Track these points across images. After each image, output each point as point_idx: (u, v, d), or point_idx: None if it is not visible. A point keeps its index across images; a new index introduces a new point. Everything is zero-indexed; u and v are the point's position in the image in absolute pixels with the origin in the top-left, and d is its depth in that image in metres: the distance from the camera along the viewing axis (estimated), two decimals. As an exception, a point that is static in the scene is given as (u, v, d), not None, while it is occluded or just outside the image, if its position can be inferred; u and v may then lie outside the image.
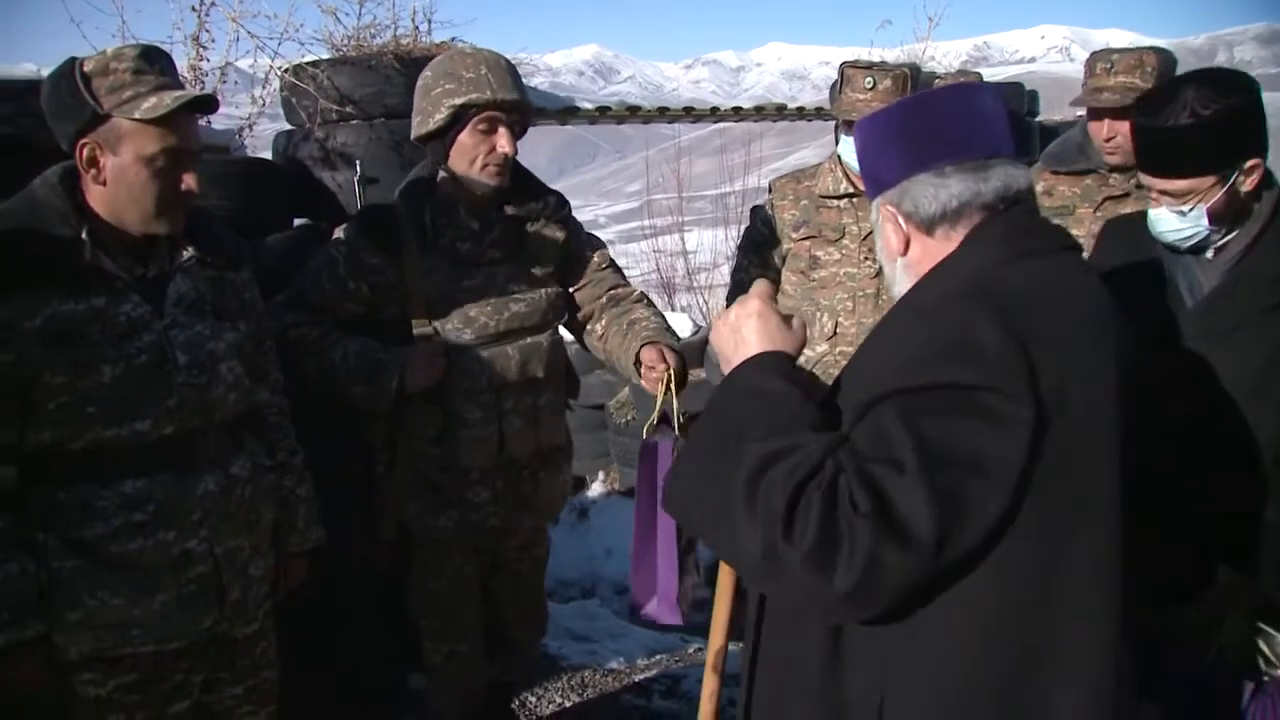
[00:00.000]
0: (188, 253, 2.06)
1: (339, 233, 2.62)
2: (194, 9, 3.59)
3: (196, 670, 2.12)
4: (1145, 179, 2.14)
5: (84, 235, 1.91)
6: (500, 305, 2.59)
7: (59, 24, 3.60)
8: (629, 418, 6.63)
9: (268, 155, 3.77)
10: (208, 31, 3.59)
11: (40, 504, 1.93)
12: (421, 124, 2.55)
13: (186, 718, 2.12)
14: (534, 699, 3.70)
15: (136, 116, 1.88)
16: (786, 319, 1.50)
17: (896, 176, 1.45)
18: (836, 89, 3.36)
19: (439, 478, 2.61)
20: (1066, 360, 1.28)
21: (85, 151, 1.92)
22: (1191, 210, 2.07)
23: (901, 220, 1.47)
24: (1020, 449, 1.22)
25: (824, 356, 3.16)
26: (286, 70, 3.55)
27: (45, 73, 3.40)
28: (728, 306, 3.66)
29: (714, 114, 5.74)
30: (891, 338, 1.41)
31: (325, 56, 3.71)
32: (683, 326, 7.03)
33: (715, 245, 9.79)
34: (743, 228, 9.10)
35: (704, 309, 8.75)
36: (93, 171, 1.93)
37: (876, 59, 4.01)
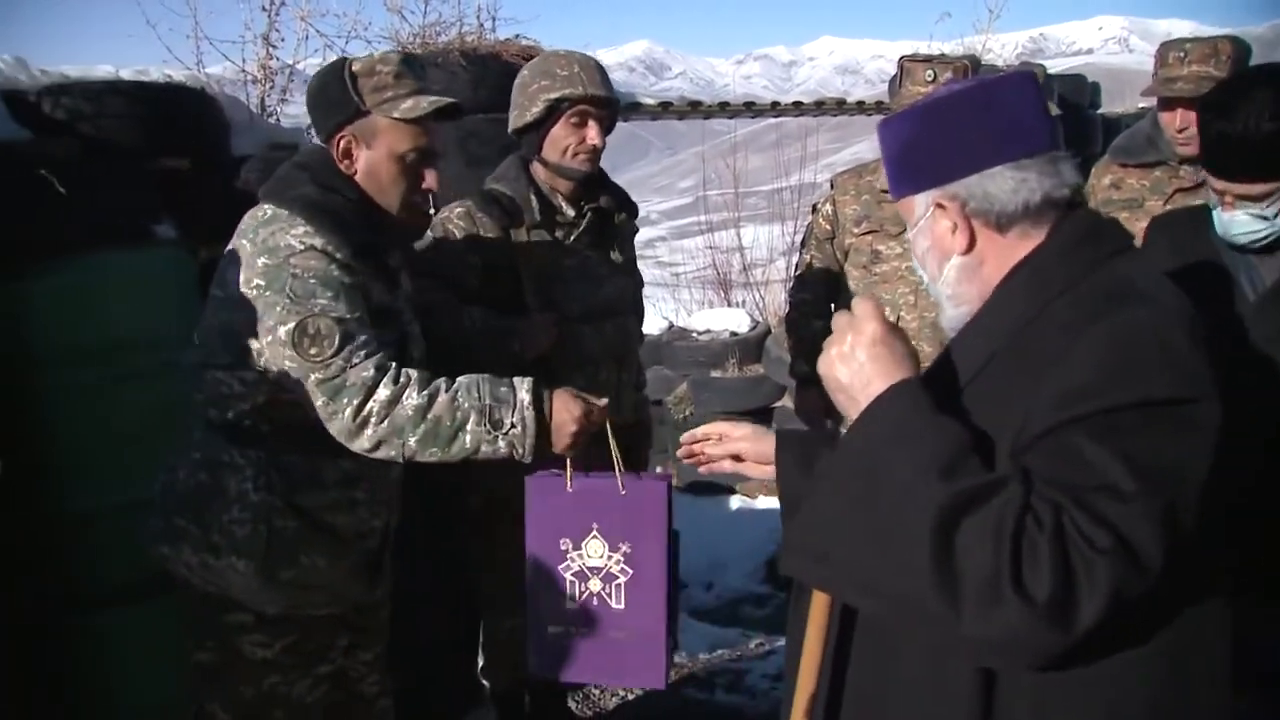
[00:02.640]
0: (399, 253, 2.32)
1: (448, 211, 2.80)
2: (264, 9, 3.68)
3: (341, 635, 2.29)
4: (1218, 183, 2.10)
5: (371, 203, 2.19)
6: (594, 286, 2.85)
7: (135, 25, 3.68)
8: (687, 412, 6.64)
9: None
10: (277, 31, 3.66)
11: (272, 463, 2.08)
12: (519, 117, 2.80)
13: (328, 681, 2.26)
14: (597, 692, 3.73)
15: (395, 115, 2.10)
16: (903, 337, 1.37)
17: (963, 168, 1.36)
18: (896, 83, 3.35)
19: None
20: (1218, 352, 1.23)
21: (341, 143, 2.15)
22: (1275, 213, 2.04)
23: (967, 217, 1.37)
24: (1211, 454, 1.18)
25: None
26: (354, 67, 3.60)
27: (123, 74, 3.49)
28: (791, 305, 3.71)
29: (774, 109, 5.74)
30: (1027, 356, 1.28)
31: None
32: (740, 322, 7.03)
33: (770, 241, 9.76)
34: (799, 223, 9.09)
35: (760, 304, 8.72)
36: (345, 161, 2.15)
37: (935, 52, 3.98)
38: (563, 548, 2.08)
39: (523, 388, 2.05)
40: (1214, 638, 1.29)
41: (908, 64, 3.12)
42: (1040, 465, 1.18)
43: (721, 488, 6.35)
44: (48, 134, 2.98)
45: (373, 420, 1.98)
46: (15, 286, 2.76)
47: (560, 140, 2.74)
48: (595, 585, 2.08)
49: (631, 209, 3.04)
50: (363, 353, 2.01)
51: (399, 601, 2.87)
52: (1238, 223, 2.08)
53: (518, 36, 3.84)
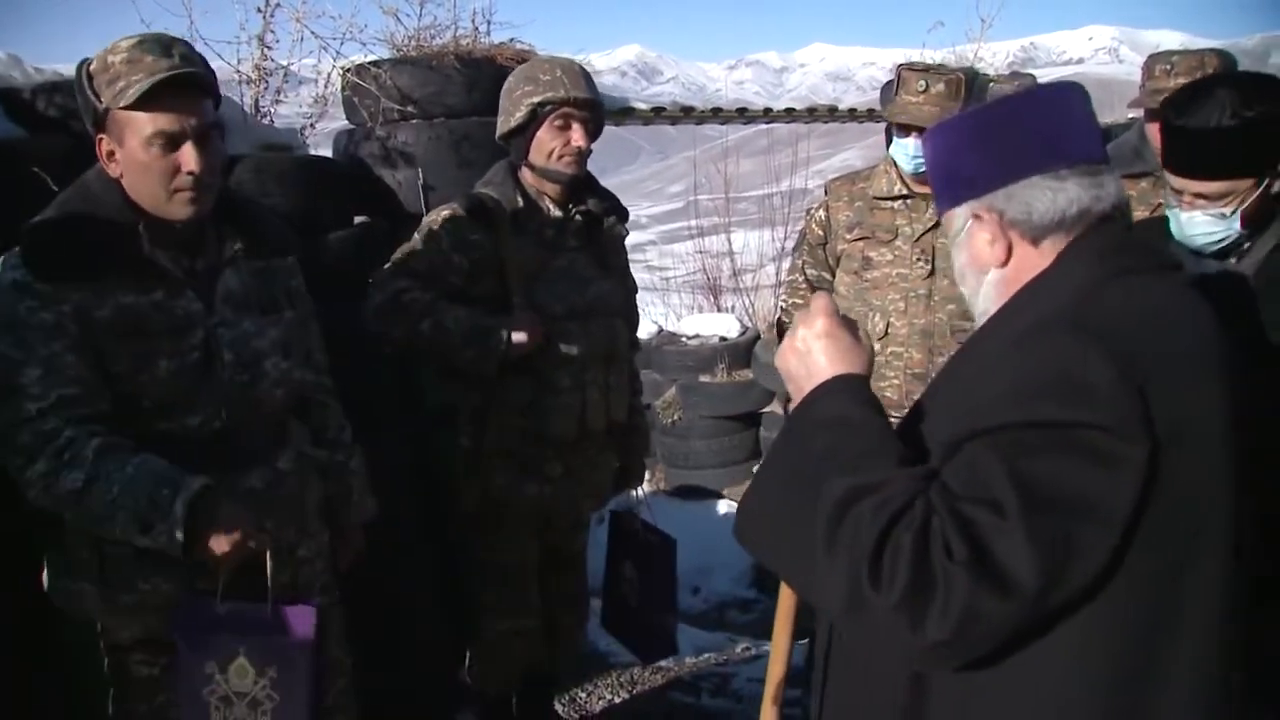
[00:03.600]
0: (234, 246, 2.10)
1: (435, 215, 2.80)
2: (259, 10, 3.66)
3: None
4: (1176, 181, 2.08)
5: (140, 228, 1.94)
6: (580, 286, 2.85)
7: (129, 25, 3.67)
8: (675, 417, 6.65)
9: (328, 154, 3.83)
10: (272, 32, 3.66)
11: None
12: (504, 123, 2.82)
13: (224, 704, 2.08)
14: (584, 695, 3.73)
15: (122, 104, 1.88)
16: (853, 329, 1.40)
17: (1001, 178, 1.33)
18: (891, 90, 3.37)
19: (524, 449, 2.83)
20: (1181, 391, 1.19)
21: (103, 147, 1.96)
22: (1232, 212, 2.04)
23: (1005, 228, 1.35)
24: (1130, 491, 1.13)
25: (874, 356, 3.18)
26: (349, 70, 3.61)
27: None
28: (783, 309, 3.75)
29: (767, 115, 5.76)
30: (982, 367, 1.30)
31: (386, 56, 3.76)
32: (730, 327, 7.05)
33: (760, 246, 9.77)
34: (790, 229, 9.08)
35: (750, 309, 8.74)
36: (113, 166, 1.96)
37: (929, 61, 4.00)
38: (208, 671, 1.92)
39: (182, 499, 1.82)
40: (1185, 663, 1.22)
41: (904, 73, 3.14)
42: (947, 473, 1.19)
43: (708, 492, 6.37)
44: (41, 131, 2.98)
45: (31, 490, 1.87)
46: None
47: (545, 144, 2.76)
48: (240, 712, 1.93)
49: (621, 213, 3.05)
50: (32, 407, 1.84)
51: (384, 603, 2.87)
52: (1195, 223, 2.06)
53: (512, 40, 3.86)
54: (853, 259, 3.31)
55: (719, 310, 8.68)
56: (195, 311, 2.00)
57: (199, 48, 2.09)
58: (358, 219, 3.62)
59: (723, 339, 6.91)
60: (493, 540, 2.92)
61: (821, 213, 3.43)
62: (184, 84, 1.91)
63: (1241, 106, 1.94)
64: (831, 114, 5.89)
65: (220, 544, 1.85)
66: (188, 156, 1.92)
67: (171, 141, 1.91)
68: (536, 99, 2.72)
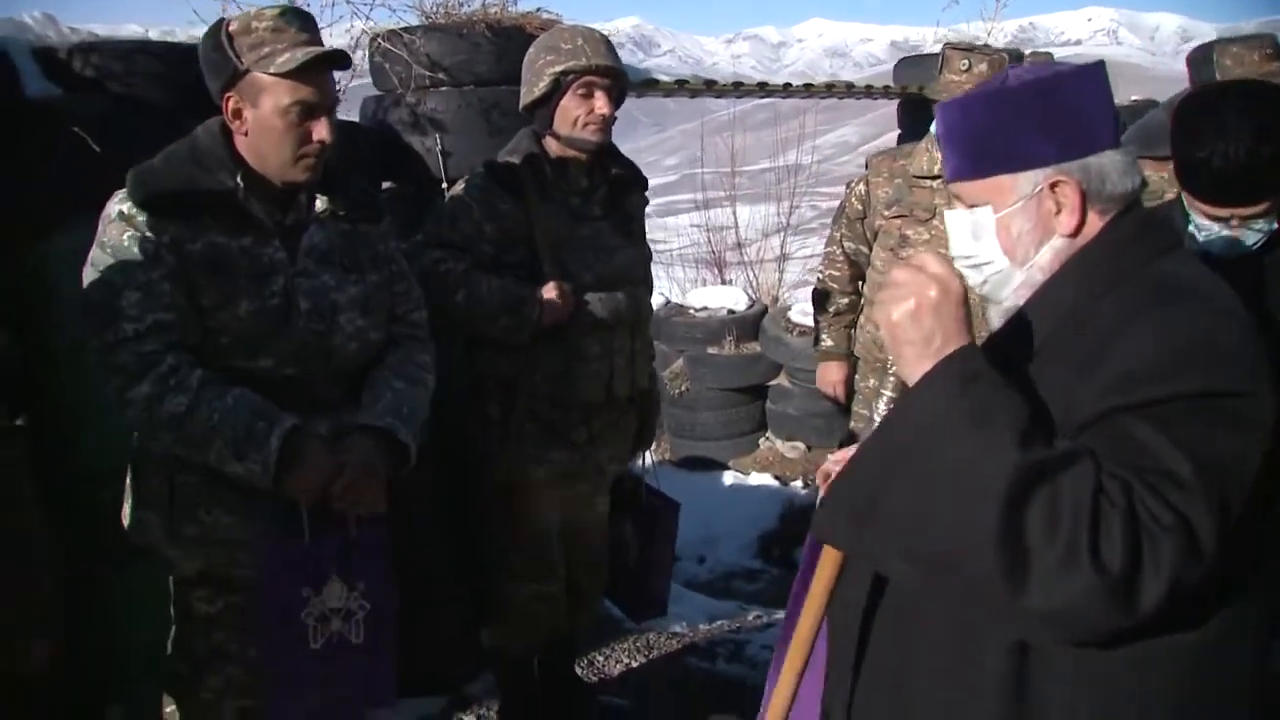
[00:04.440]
0: (322, 204, 2.19)
1: (462, 184, 2.85)
2: (291, -27, 3.65)
3: None
4: (1205, 207, 2.10)
5: (238, 180, 2.07)
6: (607, 255, 2.89)
7: (161, -15, 3.67)
8: (683, 388, 6.70)
9: (354, 119, 3.84)
10: (304, -4, 3.64)
11: None
12: (528, 93, 2.83)
13: None
14: (601, 659, 3.79)
15: (271, 71, 2.02)
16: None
17: (1080, 149, 1.35)
18: (907, 67, 3.40)
19: (551, 414, 2.88)
20: (1271, 355, 1.24)
21: (230, 104, 2.09)
22: (1272, 218, 2.09)
23: (1084, 196, 1.36)
24: (1259, 450, 1.18)
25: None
26: (379, 35, 3.62)
27: (151, 34, 3.49)
28: (819, 281, 3.76)
29: (787, 89, 5.77)
30: (1069, 349, 1.31)
31: (414, 23, 3.77)
32: (738, 300, 7.09)
33: (756, 221, 9.80)
34: (792, 204, 9.11)
35: (754, 283, 8.77)
36: (236, 123, 2.10)
37: (945, 39, 4.02)
38: (304, 595, 2.09)
39: (277, 434, 1.99)
40: (1243, 641, 1.29)
41: (948, 52, 3.17)
42: (1104, 448, 1.17)
43: (714, 463, 6.43)
44: (78, 91, 3.00)
45: (130, 409, 1.99)
46: (42, 244, 2.79)
47: (569, 112, 2.78)
48: (336, 624, 2.12)
49: (642, 181, 3.09)
50: (129, 328, 1.97)
51: (405, 567, 2.91)
52: (1249, 235, 2.10)
53: (539, 10, 3.85)
54: (890, 235, 3.36)
55: (724, 283, 8.72)
56: (279, 260, 2.12)
57: (230, 9, 2.19)
58: (385, 185, 3.65)
59: (730, 312, 6.95)
60: (518, 505, 2.96)
61: (861, 187, 3.48)
62: (325, 59, 2.06)
63: (1256, 141, 1.96)
64: (849, 90, 5.90)
65: (306, 479, 2.01)
66: (321, 127, 2.09)
67: (308, 111, 2.07)
68: (559, 68, 2.74)
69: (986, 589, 1.15)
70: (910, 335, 1.27)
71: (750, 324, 6.85)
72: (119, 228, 2.03)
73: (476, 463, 2.95)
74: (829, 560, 1.50)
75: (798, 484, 6.19)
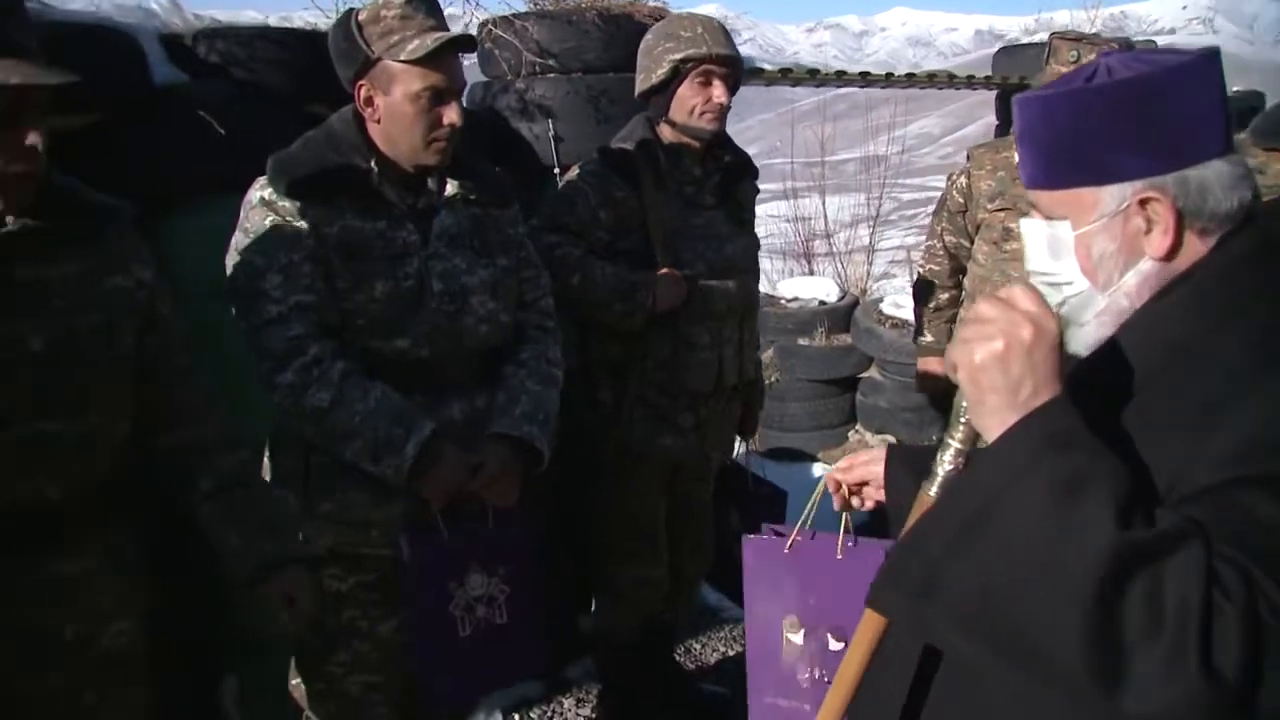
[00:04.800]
0: (452, 188, 2.22)
1: (578, 170, 2.87)
2: (404, -40, 3.69)
3: None
4: None
5: (372, 164, 2.11)
6: (719, 244, 2.88)
7: (279, -28, 3.74)
8: (773, 379, 6.67)
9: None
10: (415, -18, 3.69)
11: None
12: (645, 80, 2.84)
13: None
14: (699, 646, 3.80)
15: (402, 58, 2.06)
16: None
17: (1178, 160, 1.15)
18: (1006, 57, 3.34)
19: (660, 401, 2.89)
20: None
21: (362, 92, 2.13)
22: None
23: (1179, 215, 1.16)
24: None
25: None
26: (490, 22, 3.65)
27: (272, 21, 3.57)
28: (919, 275, 3.73)
29: (888, 79, 5.70)
30: (1183, 397, 1.11)
31: (520, 10, 3.80)
32: (829, 291, 7.04)
33: (835, 212, 9.73)
34: (871, 195, 9.01)
35: (841, 274, 8.71)
36: (369, 110, 2.14)
37: (1079, 31, 3.94)
38: (450, 590, 2.15)
39: (414, 441, 2.03)
40: None
41: (1055, 42, 3.11)
42: (1208, 526, 1.00)
43: (804, 455, 6.38)
44: (203, 76, 3.07)
45: (276, 394, 2.04)
46: (164, 225, 2.86)
47: (687, 100, 2.78)
48: (481, 611, 2.18)
49: (753, 170, 3.08)
50: (274, 310, 2.03)
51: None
52: None
53: (645, -2, 3.86)
54: (992, 229, 3.31)
55: (813, 274, 8.67)
56: (412, 243, 2.16)
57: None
58: (493, 170, 3.68)
59: (821, 303, 6.90)
60: (626, 490, 2.98)
61: (963, 180, 3.43)
62: (453, 44, 2.09)
63: None
64: (950, 80, 5.80)
65: (439, 484, 2.06)
66: (451, 111, 2.12)
67: (438, 96, 2.10)
68: (678, 55, 2.74)
69: (1073, 686, 0.98)
70: (996, 381, 1.08)
71: (842, 315, 6.79)
72: (260, 213, 2.08)
73: (584, 446, 2.97)
74: (872, 621, 1.32)
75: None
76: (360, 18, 2.10)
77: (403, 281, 2.13)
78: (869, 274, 8.71)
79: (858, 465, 1.66)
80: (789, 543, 1.83)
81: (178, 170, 2.85)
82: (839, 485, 1.69)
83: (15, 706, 1.69)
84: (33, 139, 1.56)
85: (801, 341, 6.70)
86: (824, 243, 9.40)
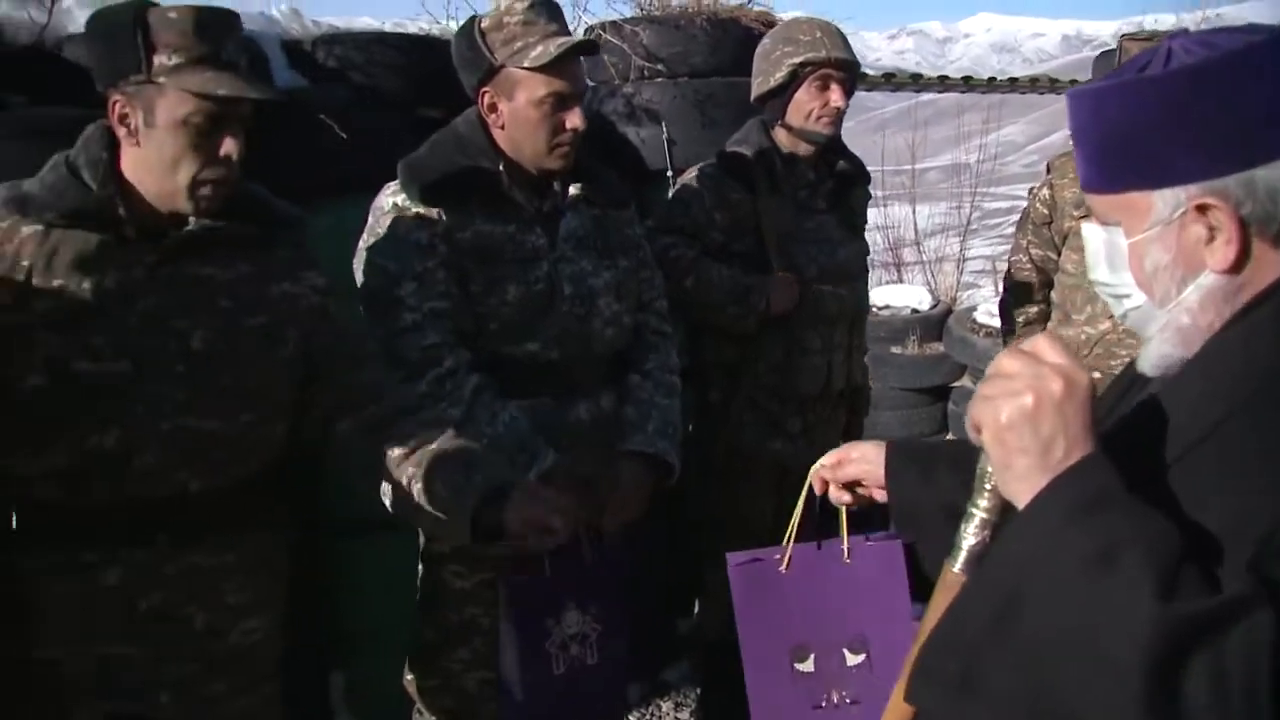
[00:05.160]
0: (575, 190, 2.25)
1: (695, 172, 2.88)
2: (514, -34, 3.74)
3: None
4: None
5: (500, 168, 2.14)
6: (831, 248, 2.89)
7: (390, -21, 3.81)
8: (864, 387, 6.62)
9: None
10: (524, -12, 3.74)
11: None
12: (762, 83, 2.84)
13: None
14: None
15: (525, 65, 2.07)
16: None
17: (1238, 160, 1.01)
18: (1108, 61, 3.28)
19: (770, 404, 2.89)
20: None
21: (486, 99, 2.16)
22: None
23: (1241, 223, 1.02)
24: None
25: (1105, 335, 3.18)
26: (598, 26, 3.68)
27: (386, 27, 3.64)
28: (1006, 286, 3.66)
29: (991, 83, 5.64)
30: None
31: (628, 15, 3.83)
32: (922, 299, 6.97)
33: (919, 220, 9.61)
34: (958, 204, 8.86)
35: (932, 282, 8.61)
36: (493, 116, 2.16)
37: (1145, 30, 3.86)
38: (547, 627, 2.07)
39: (535, 470, 2.00)
40: None
41: (1125, 43, 3.07)
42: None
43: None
44: (322, 81, 3.14)
45: (410, 403, 2.02)
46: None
47: (804, 104, 2.78)
48: (574, 650, 2.10)
49: (866, 176, 3.08)
50: (409, 318, 2.05)
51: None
52: None
53: (750, 2, 3.86)
54: (1080, 237, 3.26)
55: (903, 282, 8.58)
56: (541, 246, 2.19)
57: (458, 3, 2.27)
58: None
59: (914, 311, 6.84)
60: (736, 493, 2.98)
61: (1045, 191, 3.39)
62: (575, 49, 2.10)
63: None
64: (1052, 84, 5.72)
65: (553, 523, 1.81)
66: (574, 116, 2.13)
67: (561, 102, 2.11)
68: (797, 59, 2.74)
69: None
70: (1025, 442, 0.96)
71: (934, 324, 6.72)
72: (393, 219, 2.12)
73: (693, 447, 2.98)
74: (900, 712, 1.18)
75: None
76: (483, 25, 2.13)
77: (533, 285, 2.16)
78: (959, 283, 8.61)
79: (849, 462, 1.57)
80: (785, 560, 1.59)
81: (298, 173, 2.90)
82: (827, 485, 1.60)
83: (149, 690, 1.76)
84: (228, 148, 1.65)
85: (894, 350, 6.64)
86: (912, 250, 9.30)
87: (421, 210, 2.10)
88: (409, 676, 2.38)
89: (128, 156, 1.69)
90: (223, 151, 1.65)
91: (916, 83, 5.96)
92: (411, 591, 2.37)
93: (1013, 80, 6.44)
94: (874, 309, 6.99)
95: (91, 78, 1.70)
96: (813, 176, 2.91)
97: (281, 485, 1.94)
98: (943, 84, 6.04)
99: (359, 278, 2.14)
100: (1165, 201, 1.05)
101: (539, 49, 2.08)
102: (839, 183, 2.95)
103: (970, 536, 1.11)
